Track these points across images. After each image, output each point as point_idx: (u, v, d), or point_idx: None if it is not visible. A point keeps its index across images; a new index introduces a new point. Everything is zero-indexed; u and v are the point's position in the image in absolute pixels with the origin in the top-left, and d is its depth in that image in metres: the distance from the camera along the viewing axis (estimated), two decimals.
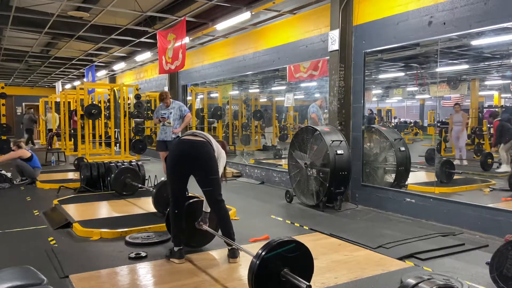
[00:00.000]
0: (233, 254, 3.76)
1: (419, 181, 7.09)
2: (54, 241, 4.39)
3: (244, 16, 7.54)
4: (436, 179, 6.59)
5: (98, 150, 14.00)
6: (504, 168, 7.54)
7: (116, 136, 14.08)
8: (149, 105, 13.98)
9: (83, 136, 11.69)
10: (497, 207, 4.91)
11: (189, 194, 5.48)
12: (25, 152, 8.08)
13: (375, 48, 6.12)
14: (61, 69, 17.12)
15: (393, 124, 15.91)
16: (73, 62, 14.91)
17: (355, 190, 6.38)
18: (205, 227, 3.91)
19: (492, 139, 7.68)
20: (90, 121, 11.25)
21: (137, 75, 16.08)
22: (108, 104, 14.20)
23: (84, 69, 15.96)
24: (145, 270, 3.63)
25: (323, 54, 6.90)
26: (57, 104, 16.90)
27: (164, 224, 4.74)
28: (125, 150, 12.11)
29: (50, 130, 16.47)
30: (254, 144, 12.48)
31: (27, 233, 4.74)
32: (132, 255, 3.89)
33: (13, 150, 8.18)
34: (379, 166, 6.49)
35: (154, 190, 5.30)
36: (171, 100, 7.24)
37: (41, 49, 13.56)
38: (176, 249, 3.77)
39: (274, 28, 8.32)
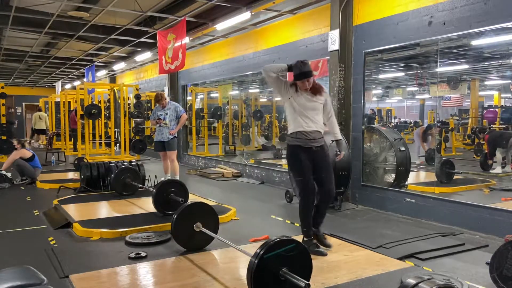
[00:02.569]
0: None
1: (419, 181, 7.08)
2: (54, 241, 4.39)
3: (244, 16, 7.54)
4: (436, 179, 6.59)
5: (98, 150, 14.00)
6: (498, 169, 7.59)
7: (116, 136, 14.07)
8: (149, 105, 13.98)
9: (83, 136, 11.69)
10: (497, 207, 4.90)
11: (189, 195, 5.52)
12: (26, 152, 8.08)
13: (375, 48, 6.12)
14: (61, 69, 17.12)
15: (393, 124, 15.91)
16: (73, 62, 14.92)
17: (355, 190, 6.38)
18: (204, 229, 3.92)
19: (487, 152, 7.77)
20: (90, 121, 11.26)
21: (137, 75, 16.08)
22: (108, 104, 14.20)
23: (84, 69, 15.96)
24: (145, 270, 3.63)
25: (323, 54, 6.90)
26: (57, 104, 16.93)
27: (164, 224, 4.76)
28: (125, 150, 12.12)
29: (40, 130, 16.58)
30: (254, 144, 12.48)
31: (27, 233, 4.74)
32: (132, 255, 3.89)
33: (15, 149, 8.18)
34: (379, 166, 6.49)
35: (154, 190, 5.30)
36: (167, 101, 7.29)
37: (41, 49, 13.56)
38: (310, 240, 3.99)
39: (274, 28, 8.32)
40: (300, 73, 3.80)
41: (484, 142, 8.37)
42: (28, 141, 8.65)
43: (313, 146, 3.90)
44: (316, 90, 3.93)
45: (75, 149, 13.56)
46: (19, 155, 7.98)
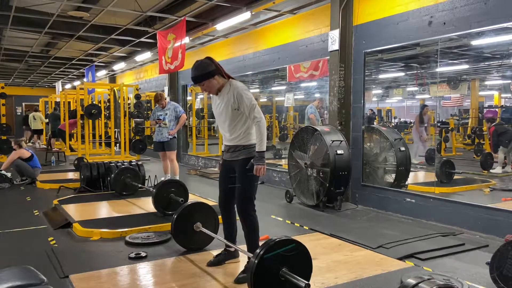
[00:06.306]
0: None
1: (419, 181, 7.08)
2: (54, 241, 4.39)
3: (244, 16, 7.54)
4: (436, 179, 6.59)
5: (98, 150, 14.00)
6: (498, 169, 7.58)
7: (116, 136, 14.07)
8: (149, 105, 13.97)
9: (83, 136, 11.68)
10: (497, 207, 4.90)
11: (189, 195, 5.52)
12: (25, 152, 8.08)
13: (375, 48, 6.12)
14: (61, 69, 17.12)
15: (393, 124, 15.90)
16: (73, 62, 14.92)
17: (355, 190, 6.38)
18: (204, 229, 3.92)
19: (490, 144, 7.75)
20: (90, 121, 11.25)
21: (137, 75, 16.08)
22: (108, 104, 14.21)
23: (84, 69, 15.96)
24: (145, 270, 3.63)
25: (323, 54, 6.90)
26: (57, 104, 16.90)
27: (164, 224, 4.76)
28: (125, 150, 12.12)
29: (37, 130, 16.51)
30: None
31: (27, 233, 4.74)
32: (132, 255, 3.89)
33: (14, 149, 8.19)
34: (379, 166, 6.49)
35: (154, 190, 5.30)
36: (167, 101, 7.30)
37: (41, 49, 13.55)
38: None
39: (274, 28, 8.32)
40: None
41: (487, 133, 8.28)
42: (25, 141, 8.63)
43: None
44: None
45: (71, 150, 13.55)
46: (17, 155, 7.98)
